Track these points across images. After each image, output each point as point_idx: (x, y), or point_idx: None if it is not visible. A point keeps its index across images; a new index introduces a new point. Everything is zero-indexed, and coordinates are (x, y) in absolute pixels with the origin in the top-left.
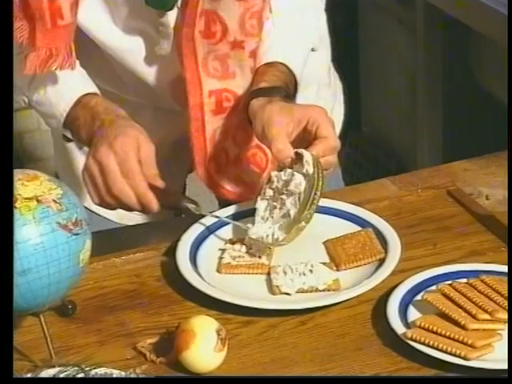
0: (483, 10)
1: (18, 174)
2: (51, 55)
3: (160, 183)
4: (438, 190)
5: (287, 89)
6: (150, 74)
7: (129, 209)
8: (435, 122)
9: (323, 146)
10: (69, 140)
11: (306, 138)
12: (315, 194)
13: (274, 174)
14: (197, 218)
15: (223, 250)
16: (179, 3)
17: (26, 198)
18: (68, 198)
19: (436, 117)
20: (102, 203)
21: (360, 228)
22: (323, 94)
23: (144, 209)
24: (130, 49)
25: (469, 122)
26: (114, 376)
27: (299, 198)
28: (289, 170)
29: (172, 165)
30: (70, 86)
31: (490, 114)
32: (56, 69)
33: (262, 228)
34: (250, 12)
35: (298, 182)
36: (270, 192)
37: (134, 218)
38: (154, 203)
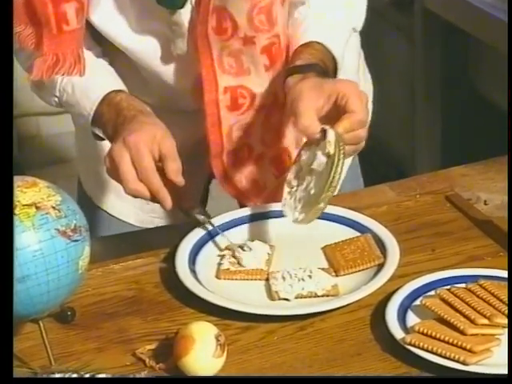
0: (482, 16)
1: (17, 181)
2: (58, 61)
3: (180, 180)
4: (437, 196)
5: (324, 66)
6: (169, 73)
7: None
8: (434, 128)
9: (350, 120)
10: (100, 138)
11: (337, 113)
12: (333, 176)
13: (302, 150)
14: (195, 224)
15: (222, 256)
16: (193, 1)
17: (24, 205)
18: (67, 205)
19: (434, 122)
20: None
21: (359, 233)
22: None
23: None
24: (146, 49)
25: (467, 127)
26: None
27: (320, 179)
28: (314, 148)
29: (192, 169)
30: (96, 84)
31: (488, 120)
32: (63, 75)
33: (288, 203)
34: (257, 8)
35: (320, 162)
36: (297, 167)
37: (154, 222)
38: (167, 202)
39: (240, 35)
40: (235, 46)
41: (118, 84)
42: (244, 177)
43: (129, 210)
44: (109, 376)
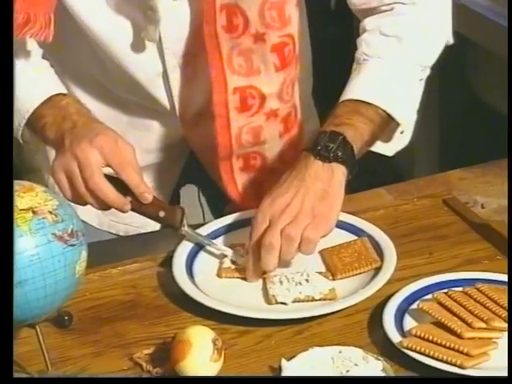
0: (480, 20)
1: (15, 186)
2: (29, 20)
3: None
4: (434, 199)
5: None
6: (134, 64)
7: (103, 205)
8: (432, 132)
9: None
10: (23, 140)
11: None
12: None
13: None
14: (193, 228)
15: (225, 256)
16: None
17: (21, 210)
18: (64, 210)
19: (432, 126)
20: (75, 199)
21: (356, 237)
22: None
23: (135, 200)
24: (115, 34)
25: (465, 131)
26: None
27: None
28: None
29: (160, 173)
30: (40, 82)
31: (486, 124)
32: (31, 37)
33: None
34: (269, 2)
35: None
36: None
37: (116, 227)
38: (148, 193)
39: (251, 31)
40: (246, 44)
41: (62, 88)
42: (250, 183)
43: (91, 212)
44: (108, 376)
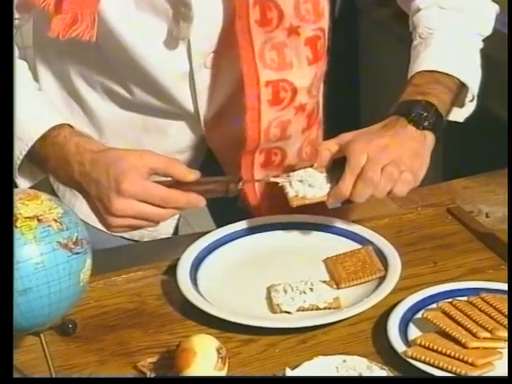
0: None
1: (19, 194)
2: (76, 20)
3: (195, 176)
4: (438, 208)
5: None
6: (161, 65)
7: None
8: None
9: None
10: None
11: None
12: None
13: None
14: (197, 236)
15: (282, 187)
16: None
17: (26, 218)
18: (69, 218)
19: None
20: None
21: (360, 246)
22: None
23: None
24: (145, 35)
25: (469, 139)
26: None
27: None
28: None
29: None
30: (37, 114)
31: (490, 132)
32: (77, 36)
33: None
34: None
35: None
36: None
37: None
38: (201, 201)
39: (285, 25)
40: (279, 37)
41: (57, 116)
42: (266, 183)
43: None
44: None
